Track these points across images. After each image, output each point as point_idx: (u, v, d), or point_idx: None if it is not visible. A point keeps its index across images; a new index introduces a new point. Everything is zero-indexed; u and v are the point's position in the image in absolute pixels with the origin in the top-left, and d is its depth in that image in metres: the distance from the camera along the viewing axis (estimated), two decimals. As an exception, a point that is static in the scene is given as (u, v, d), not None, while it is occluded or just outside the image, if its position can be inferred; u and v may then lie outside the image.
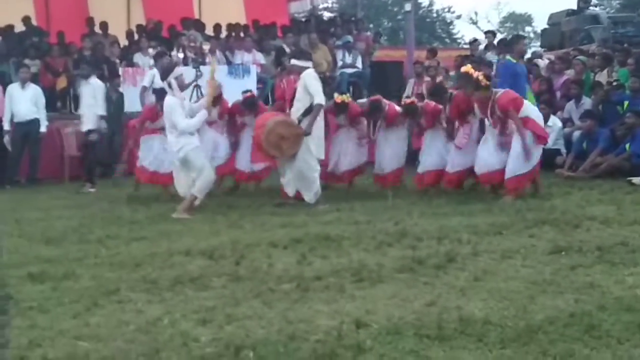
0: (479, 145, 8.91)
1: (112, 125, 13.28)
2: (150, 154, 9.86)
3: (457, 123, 9.31)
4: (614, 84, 11.94)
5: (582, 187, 9.20)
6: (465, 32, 58.28)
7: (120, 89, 13.66)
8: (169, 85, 8.31)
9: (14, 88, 12.17)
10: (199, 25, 16.68)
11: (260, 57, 15.36)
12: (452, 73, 13.70)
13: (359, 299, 4.67)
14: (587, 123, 10.93)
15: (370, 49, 17.56)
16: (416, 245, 6.20)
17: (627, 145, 10.38)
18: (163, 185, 9.91)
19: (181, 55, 14.06)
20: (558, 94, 12.70)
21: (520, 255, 5.69)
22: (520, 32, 57.17)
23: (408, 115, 9.76)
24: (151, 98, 11.91)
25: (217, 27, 16.60)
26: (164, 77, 8.50)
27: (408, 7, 16.67)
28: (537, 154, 8.64)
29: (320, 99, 8.54)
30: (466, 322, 4.08)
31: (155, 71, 12.53)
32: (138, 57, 14.70)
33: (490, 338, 3.85)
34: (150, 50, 14.70)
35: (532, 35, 55.47)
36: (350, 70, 15.58)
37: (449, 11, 52.90)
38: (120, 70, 14.08)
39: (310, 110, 8.53)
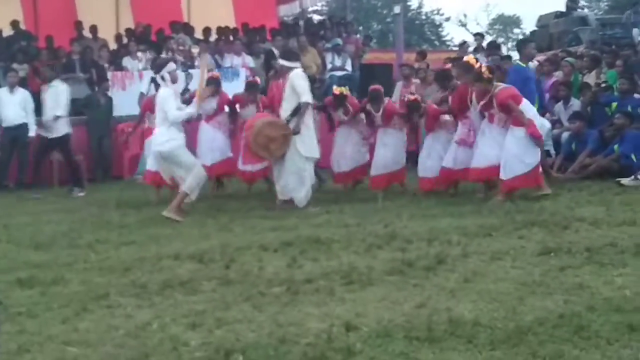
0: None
1: (101, 129, 13.29)
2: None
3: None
4: (602, 85, 11.96)
5: (571, 188, 9.22)
6: (454, 34, 58.23)
7: (109, 93, 13.64)
8: (162, 78, 8.36)
9: (2, 92, 12.13)
10: (188, 29, 16.67)
11: (249, 61, 15.36)
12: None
13: (349, 301, 4.67)
14: (576, 124, 10.95)
15: (360, 51, 17.58)
16: (406, 247, 6.20)
17: (616, 147, 10.40)
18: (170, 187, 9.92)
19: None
20: (547, 95, 12.72)
21: (509, 257, 5.70)
22: (509, 34, 57.55)
23: (411, 112, 9.75)
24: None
25: (206, 31, 16.58)
26: (157, 70, 8.55)
27: (397, 9, 16.71)
28: (536, 155, 8.62)
29: (308, 97, 8.59)
30: (456, 323, 4.09)
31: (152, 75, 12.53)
32: (127, 61, 14.67)
33: (480, 339, 3.85)
34: (139, 54, 14.68)
35: (521, 37, 55.67)
36: (339, 73, 15.59)
37: (438, 13, 53.08)
38: (109, 74, 14.04)
39: (298, 110, 8.55)
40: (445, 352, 3.73)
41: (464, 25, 54.52)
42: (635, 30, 18.79)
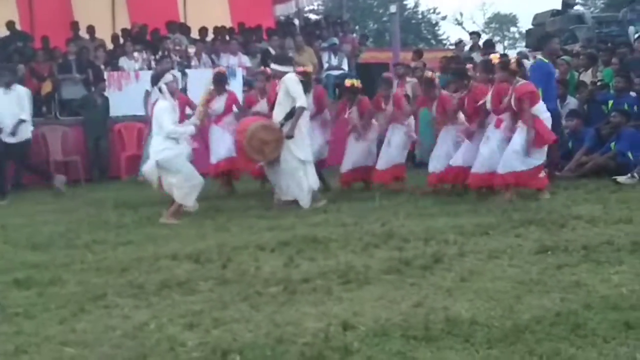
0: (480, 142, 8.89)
1: (98, 129, 13.28)
2: None
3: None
4: (599, 83, 11.99)
5: (567, 186, 9.24)
6: (450, 33, 58.37)
7: (106, 94, 13.63)
8: (160, 90, 8.33)
9: (-2, 93, 12.08)
10: (184, 29, 16.65)
11: (246, 60, 15.35)
12: (437, 74, 13.69)
13: (346, 300, 4.68)
14: (573, 122, 10.97)
15: (356, 51, 17.58)
16: (403, 246, 6.21)
17: (613, 144, 10.42)
18: None
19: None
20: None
21: (506, 255, 5.70)
22: (505, 33, 57.59)
23: (426, 88, 9.82)
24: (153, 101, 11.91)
25: (202, 31, 16.57)
26: (154, 82, 8.52)
27: (393, 8, 16.70)
28: (539, 155, 8.56)
29: (302, 102, 8.59)
30: (453, 322, 4.09)
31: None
32: (123, 61, 14.65)
33: (477, 338, 3.86)
34: (136, 54, 14.66)
35: (517, 35, 55.78)
36: (336, 73, 15.59)
37: (434, 12, 53.11)
38: (106, 75, 14.03)
39: (292, 114, 8.55)
40: (442, 351, 3.74)
41: (460, 24, 54.64)
42: (631, 28, 18.81)
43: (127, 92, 13.73)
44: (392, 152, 10.04)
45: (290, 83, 8.63)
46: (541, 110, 8.63)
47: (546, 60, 10.07)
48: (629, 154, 10.06)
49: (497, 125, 8.73)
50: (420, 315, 4.28)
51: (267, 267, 5.67)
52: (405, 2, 49.28)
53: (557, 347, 3.69)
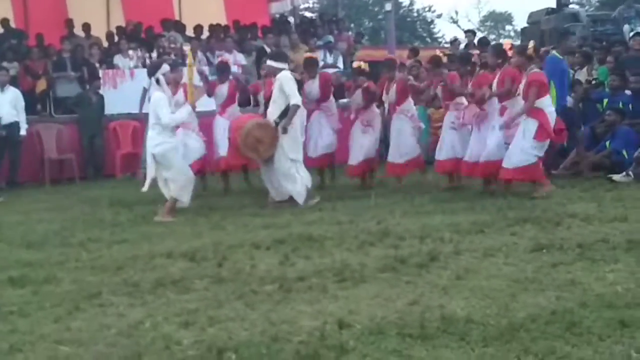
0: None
1: (93, 127, 13.26)
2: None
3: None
4: (594, 82, 12.00)
5: (563, 184, 9.25)
6: (445, 31, 58.44)
7: (101, 91, 13.61)
8: (157, 81, 8.32)
9: (-7, 91, 12.08)
10: (179, 27, 16.62)
11: (241, 58, 15.32)
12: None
13: (342, 299, 4.67)
14: (568, 121, 10.97)
15: (352, 49, 17.56)
16: (398, 244, 6.21)
17: (607, 143, 10.44)
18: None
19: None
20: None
21: (502, 254, 5.71)
22: (501, 31, 57.61)
23: (434, 65, 9.85)
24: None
25: (197, 28, 16.54)
26: (152, 73, 8.52)
27: (388, 6, 16.70)
28: (539, 148, 8.54)
29: (296, 99, 8.59)
30: (448, 320, 4.09)
31: None
32: (118, 59, 14.62)
33: (472, 336, 3.86)
34: (131, 52, 14.64)
35: (512, 34, 55.75)
36: (331, 70, 15.54)
37: (429, 10, 53.03)
38: (100, 73, 14.00)
39: (287, 112, 8.54)
40: (438, 349, 3.74)
41: (455, 22, 54.59)
42: (626, 27, 18.82)
43: (122, 90, 13.73)
44: (407, 144, 9.99)
45: (285, 81, 8.62)
46: (547, 104, 8.60)
47: (560, 57, 10.04)
48: (624, 152, 10.07)
49: (502, 114, 8.73)
50: (415, 313, 4.28)
51: (262, 265, 5.67)
52: (400, 0, 49.23)
53: (553, 345, 3.69)
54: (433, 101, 11.18)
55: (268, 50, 14.56)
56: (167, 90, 8.38)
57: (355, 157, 10.19)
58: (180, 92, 9.54)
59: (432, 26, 53.39)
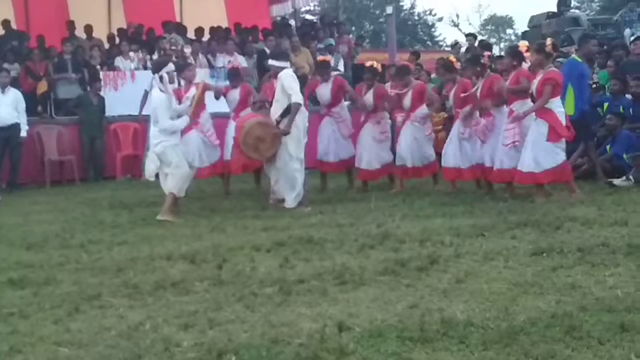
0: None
1: (93, 129, 13.27)
2: (193, 149, 9.87)
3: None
4: (594, 86, 11.99)
5: (563, 188, 9.23)
6: (446, 34, 58.43)
7: (101, 93, 13.62)
8: (161, 78, 8.33)
9: (-6, 92, 12.09)
10: (181, 29, 16.63)
11: (242, 60, 15.31)
12: (433, 75, 13.70)
13: (342, 301, 4.67)
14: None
15: (352, 52, 17.58)
16: (398, 247, 6.21)
17: (608, 147, 10.44)
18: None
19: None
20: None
21: (502, 257, 5.71)
22: (502, 35, 57.66)
23: (446, 70, 9.82)
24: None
25: (198, 31, 16.56)
26: (156, 70, 8.50)
27: (389, 10, 16.67)
28: (558, 152, 8.46)
29: (298, 98, 8.54)
30: (448, 324, 4.09)
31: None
32: (119, 61, 14.63)
33: (472, 340, 3.86)
34: (132, 54, 14.65)
35: (513, 37, 55.81)
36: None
37: (430, 14, 53.17)
38: (101, 74, 14.01)
39: (289, 111, 8.53)
40: (437, 352, 3.74)
41: (456, 25, 54.73)
42: (627, 31, 18.85)
43: (122, 92, 13.74)
44: (423, 149, 9.98)
45: (286, 79, 8.59)
46: (556, 104, 8.53)
47: (580, 60, 10.00)
48: (625, 157, 10.06)
49: (509, 116, 8.72)
50: (415, 316, 4.28)
51: (262, 267, 5.67)
52: (401, 4, 49.30)
53: (552, 349, 3.69)
54: (444, 108, 11.17)
55: (268, 52, 14.58)
56: (169, 90, 8.39)
57: (369, 162, 10.16)
58: (192, 90, 9.58)
59: (433, 30, 53.51)
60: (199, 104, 9.26)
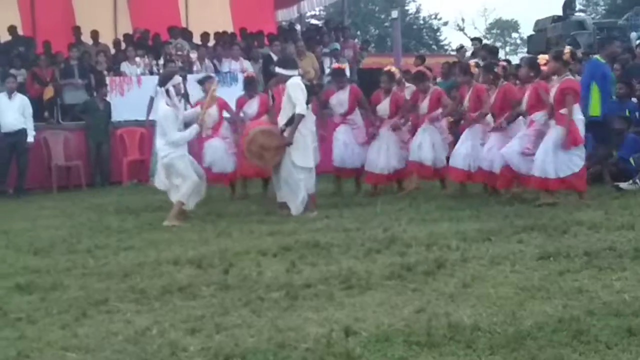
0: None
1: (100, 134, 13.30)
2: (215, 155, 10.14)
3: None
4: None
5: (569, 192, 9.22)
6: (452, 38, 58.38)
7: (108, 99, 13.65)
8: (167, 92, 8.35)
9: (1, 98, 12.13)
10: (186, 34, 16.67)
11: (247, 65, 15.35)
12: (439, 80, 13.72)
13: (348, 306, 4.67)
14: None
15: (358, 56, 17.59)
16: (405, 251, 6.21)
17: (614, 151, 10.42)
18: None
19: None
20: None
21: (508, 261, 5.70)
22: (507, 39, 57.61)
23: (463, 72, 9.85)
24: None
25: (204, 36, 16.60)
26: (162, 83, 8.54)
27: (395, 14, 16.75)
28: (576, 160, 8.43)
29: (301, 108, 8.48)
30: (455, 328, 4.09)
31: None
32: (125, 67, 14.67)
33: (479, 344, 3.85)
34: (138, 60, 14.69)
35: (518, 41, 55.82)
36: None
37: (435, 18, 53.16)
38: (107, 80, 14.04)
39: (292, 120, 8.53)
40: (444, 357, 3.74)
41: (461, 29, 54.70)
42: (633, 34, 18.82)
43: (129, 98, 13.75)
44: (440, 153, 9.99)
45: (292, 88, 8.58)
46: (576, 111, 8.50)
47: (603, 61, 9.97)
48: (631, 160, 10.04)
49: (530, 127, 8.70)
50: (422, 321, 4.27)
51: (269, 272, 5.67)
52: (406, 8, 49.40)
53: (560, 353, 3.68)
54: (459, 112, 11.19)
55: (274, 57, 14.59)
56: (176, 103, 8.42)
57: (383, 167, 10.14)
58: (214, 106, 9.68)
59: (438, 34, 53.53)
60: (210, 105, 9.25)
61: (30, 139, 12.15)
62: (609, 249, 5.96)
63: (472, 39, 18.95)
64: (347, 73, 15.76)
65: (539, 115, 8.66)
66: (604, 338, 3.86)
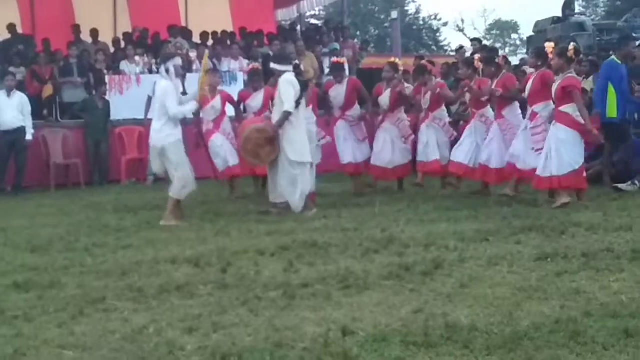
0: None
1: (99, 133, 13.29)
2: (221, 151, 10.17)
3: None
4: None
5: (568, 193, 9.22)
6: (452, 39, 58.38)
7: (107, 97, 13.65)
8: (167, 70, 8.33)
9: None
10: (186, 33, 16.66)
11: (247, 65, 15.34)
12: (438, 80, 13.68)
13: (346, 306, 4.67)
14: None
15: (357, 56, 17.58)
16: (403, 252, 6.21)
17: (613, 152, 10.42)
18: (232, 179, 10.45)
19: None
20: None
21: (506, 262, 5.70)
22: (507, 40, 57.60)
23: (467, 66, 9.87)
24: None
25: (204, 35, 16.59)
26: (164, 61, 8.51)
27: (395, 14, 16.75)
28: (576, 159, 8.41)
29: (289, 106, 8.43)
30: (452, 328, 4.09)
31: (156, 79, 12.54)
32: (125, 65, 14.66)
33: (476, 345, 3.85)
34: (137, 58, 14.68)
35: (518, 42, 55.80)
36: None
37: (435, 18, 53.10)
38: (107, 78, 14.04)
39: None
40: (441, 357, 3.74)
41: (461, 30, 54.61)
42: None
43: (128, 96, 13.75)
44: (444, 150, 10.03)
45: (283, 84, 8.54)
46: (574, 109, 8.46)
47: (619, 61, 9.97)
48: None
49: (532, 119, 8.70)
50: (419, 321, 4.27)
51: (266, 271, 5.67)
52: (406, 8, 49.37)
53: (557, 354, 3.69)
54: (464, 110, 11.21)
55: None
56: (175, 80, 8.39)
57: (389, 161, 10.21)
58: (218, 98, 9.68)
59: (438, 34, 53.46)
60: (206, 78, 9.21)
61: (29, 137, 12.15)
62: (606, 250, 5.96)
63: (472, 40, 18.90)
64: (347, 72, 15.88)
65: (541, 107, 8.64)
66: (601, 339, 3.86)
